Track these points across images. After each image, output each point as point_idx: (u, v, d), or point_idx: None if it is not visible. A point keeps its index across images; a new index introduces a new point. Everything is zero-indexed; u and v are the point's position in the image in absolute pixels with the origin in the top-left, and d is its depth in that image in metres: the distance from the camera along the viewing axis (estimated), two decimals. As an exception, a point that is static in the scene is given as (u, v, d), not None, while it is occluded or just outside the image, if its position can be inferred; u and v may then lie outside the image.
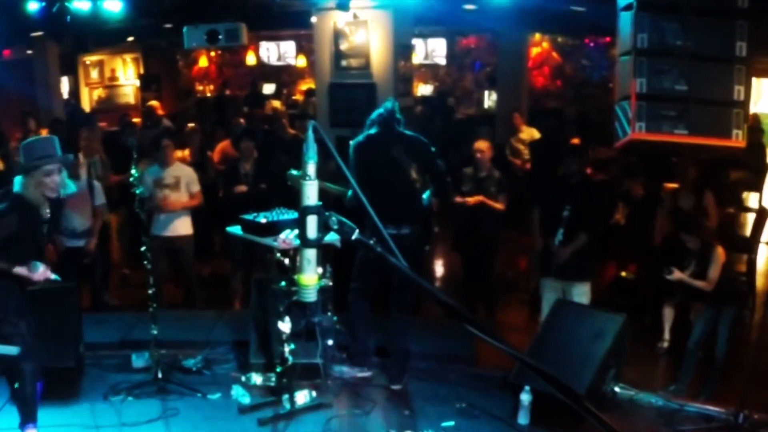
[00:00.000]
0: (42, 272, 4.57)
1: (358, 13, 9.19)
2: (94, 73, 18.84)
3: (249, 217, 5.50)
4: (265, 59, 20.74)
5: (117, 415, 5.34)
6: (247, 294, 6.97)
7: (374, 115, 5.85)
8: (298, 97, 19.62)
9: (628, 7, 4.93)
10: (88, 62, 18.66)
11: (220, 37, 9.76)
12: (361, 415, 5.49)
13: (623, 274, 8.55)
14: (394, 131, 5.76)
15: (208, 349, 6.40)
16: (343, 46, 9.44)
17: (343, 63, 9.50)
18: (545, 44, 18.38)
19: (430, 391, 5.82)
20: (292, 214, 5.35)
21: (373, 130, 5.80)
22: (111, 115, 15.71)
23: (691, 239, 6.17)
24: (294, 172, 6.18)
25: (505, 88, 14.66)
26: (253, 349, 6.02)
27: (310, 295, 2.47)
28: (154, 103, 13.57)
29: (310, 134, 2.44)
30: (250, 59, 20.65)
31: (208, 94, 20.82)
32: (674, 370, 6.47)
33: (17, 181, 4.70)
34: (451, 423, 5.30)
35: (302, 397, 5.54)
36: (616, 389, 5.63)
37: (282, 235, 5.13)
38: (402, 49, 9.79)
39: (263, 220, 5.37)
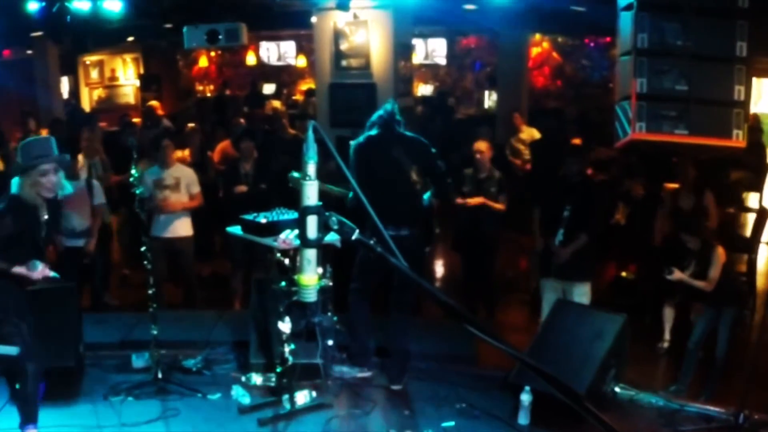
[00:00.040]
0: (41, 270, 4.56)
1: (358, 13, 9.19)
2: (94, 73, 18.86)
3: (249, 217, 5.50)
4: (265, 59, 20.74)
5: (117, 415, 5.33)
6: (247, 294, 6.97)
7: (374, 116, 5.85)
8: (298, 97, 19.62)
9: (628, 7, 4.92)
10: (88, 62, 18.67)
11: (220, 37, 9.77)
12: (361, 416, 5.49)
13: (623, 274, 8.55)
14: (394, 132, 5.76)
15: (208, 349, 6.39)
16: (343, 46, 9.44)
17: (343, 63, 9.50)
18: (545, 44, 18.39)
19: (430, 391, 5.82)
20: (293, 214, 5.35)
21: (373, 132, 5.80)
22: (111, 115, 15.71)
23: (692, 239, 6.17)
24: (295, 174, 6.18)
25: (506, 88, 14.66)
26: (253, 350, 6.02)
27: (310, 296, 2.47)
28: (154, 103, 13.57)
29: (310, 134, 2.44)
30: (250, 59, 20.65)
31: (208, 94, 20.82)
32: (674, 370, 6.46)
33: (14, 182, 4.70)
34: (451, 423, 5.30)
35: (302, 397, 5.54)
36: (617, 389, 5.63)
37: (282, 235, 5.13)
38: (402, 49, 9.79)
39: (263, 220, 5.37)
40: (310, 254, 2.41)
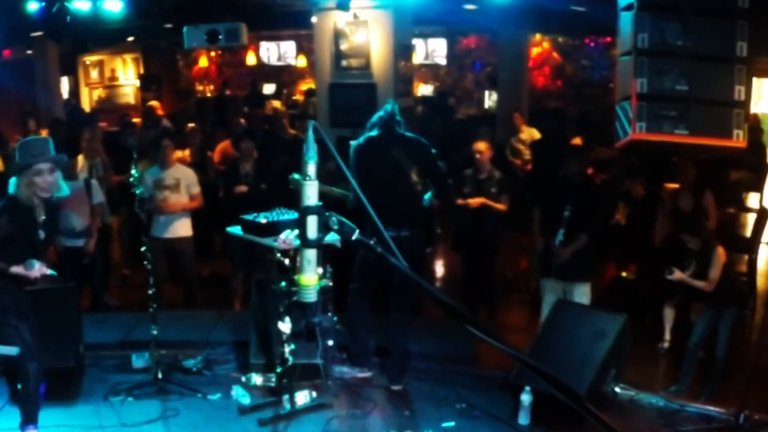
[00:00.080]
0: (38, 269, 4.55)
1: (358, 13, 9.19)
2: (94, 73, 18.87)
3: (249, 217, 5.49)
4: (265, 59, 20.75)
5: (117, 415, 5.33)
6: (248, 294, 6.97)
7: (375, 117, 5.84)
8: (299, 97, 19.63)
9: (628, 7, 4.92)
10: (88, 62, 18.69)
11: (220, 37, 9.77)
12: (361, 416, 5.48)
13: (624, 274, 8.55)
14: (394, 133, 5.76)
15: (208, 349, 6.39)
16: (344, 46, 9.44)
17: (344, 63, 9.50)
18: (546, 44, 18.39)
19: (430, 391, 5.81)
20: (293, 215, 5.35)
21: (373, 132, 5.79)
22: (111, 115, 15.72)
23: (692, 239, 6.17)
24: (296, 176, 6.18)
25: (506, 88, 14.66)
26: (254, 350, 6.02)
27: (311, 296, 2.47)
28: (154, 103, 13.58)
29: (311, 134, 2.44)
30: (250, 59, 20.66)
31: (208, 94, 20.83)
32: (675, 370, 6.46)
33: (12, 182, 4.69)
34: (452, 423, 5.30)
35: (302, 397, 5.54)
36: (617, 389, 5.62)
37: (282, 236, 5.12)
38: (402, 49, 9.79)
39: (263, 221, 5.37)
40: (310, 254, 2.40)
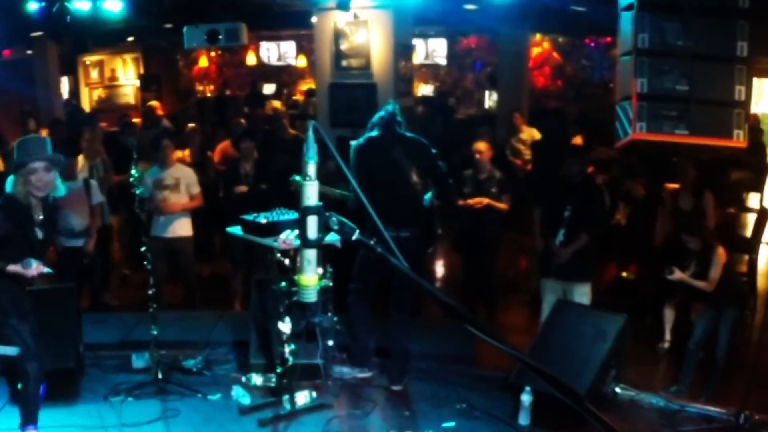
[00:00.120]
0: (35, 267, 4.53)
1: (358, 13, 9.18)
2: (94, 73, 18.87)
3: (249, 217, 5.49)
4: (265, 59, 20.74)
5: (117, 415, 5.33)
6: (248, 294, 6.96)
7: (375, 117, 5.84)
8: (299, 97, 19.63)
9: (628, 7, 4.92)
10: (88, 62, 18.68)
11: (220, 37, 9.77)
12: (361, 416, 5.49)
13: (624, 274, 8.54)
14: (394, 133, 5.75)
15: (208, 349, 6.39)
16: (344, 46, 9.43)
17: (344, 63, 9.49)
18: (546, 44, 18.39)
19: (430, 391, 5.82)
20: (293, 215, 5.35)
21: (373, 133, 5.79)
22: (111, 116, 15.71)
23: (692, 240, 6.16)
24: (297, 177, 6.18)
25: (506, 88, 14.65)
26: (254, 350, 6.02)
27: (311, 296, 2.46)
28: (154, 103, 13.57)
29: (311, 134, 2.44)
30: (251, 59, 20.65)
31: (209, 95, 20.82)
32: (675, 370, 6.46)
33: (9, 181, 4.68)
34: (452, 424, 5.30)
35: (302, 397, 5.54)
36: (617, 390, 5.62)
37: (282, 236, 5.12)
38: (402, 49, 9.78)
39: (263, 221, 5.36)
40: (311, 254, 2.40)
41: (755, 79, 7.27)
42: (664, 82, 4.82)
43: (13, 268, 4.50)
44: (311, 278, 2.44)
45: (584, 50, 18.34)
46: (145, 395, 5.63)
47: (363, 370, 6.02)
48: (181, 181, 7.65)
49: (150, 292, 5.75)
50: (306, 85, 19.51)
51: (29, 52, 14.69)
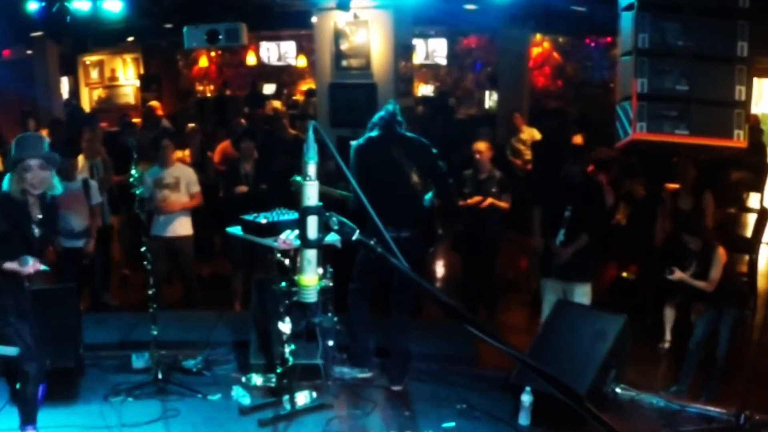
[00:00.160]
0: (32, 265, 4.52)
1: (358, 13, 9.18)
2: (94, 73, 18.87)
3: (249, 217, 5.49)
4: (265, 59, 20.74)
5: (117, 415, 5.33)
6: (248, 294, 6.96)
7: (375, 117, 5.84)
8: (299, 97, 19.63)
9: (629, 7, 4.92)
10: (88, 62, 18.68)
11: (220, 37, 9.77)
12: (362, 416, 5.49)
13: (624, 274, 8.54)
14: (395, 133, 5.75)
15: (208, 349, 6.39)
16: (344, 46, 9.43)
17: (344, 63, 9.49)
18: (546, 44, 18.38)
19: (430, 391, 5.82)
20: (293, 215, 5.34)
21: (374, 133, 5.79)
22: (111, 116, 15.71)
23: (693, 240, 6.16)
24: (298, 178, 6.17)
25: (506, 88, 14.65)
26: (254, 350, 6.01)
27: (311, 296, 2.46)
28: (154, 103, 13.56)
29: (311, 134, 2.44)
30: (251, 59, 20.65)
31: (209, 95, 20.82)
32: (675, 370, 6.46)
33: (5, 179, 4.68)
34: (452, 424, 5.29)
35: (302, 397, 5.54)
36: (617, 390, 5.62)
37: (282, 236, 5.12)
38: (402, 49, 9.78)
39: (263, 221, 5.36)
40: (311, 255, 2.40)
41: (755, 79, 7.26)
42: (665, 82, 4.81)
43: (9, 265, 4.49)
44: (311, 278, 2.44)
45: (584, 50, 18.34)
46: (145, 395, 5.63)
47: (363, 371, 6.02)
48: (180, 180, 7.65)
49: (150, 292, 5.74)
50: (306, 85, 19.52)
51: (29, 52, 14.68)
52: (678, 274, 6.06)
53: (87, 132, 8.95)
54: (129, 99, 18.98)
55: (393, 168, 5.70)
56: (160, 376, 5.72)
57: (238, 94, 19.62)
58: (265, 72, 20.84)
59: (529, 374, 4.98)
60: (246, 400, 5.58)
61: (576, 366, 5.26)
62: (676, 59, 4.80)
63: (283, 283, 5.25)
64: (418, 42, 17.58)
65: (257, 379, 5.89)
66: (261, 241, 5.36)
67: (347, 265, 5.89)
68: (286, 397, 5.41)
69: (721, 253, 6.02)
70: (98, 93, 18.94)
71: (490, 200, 7.44)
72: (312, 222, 2.30)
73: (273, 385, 5.73)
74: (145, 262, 5.70)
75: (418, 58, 17.61)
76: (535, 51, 17.91)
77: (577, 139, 10.20)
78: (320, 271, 5.09)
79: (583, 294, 6.57)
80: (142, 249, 5.71)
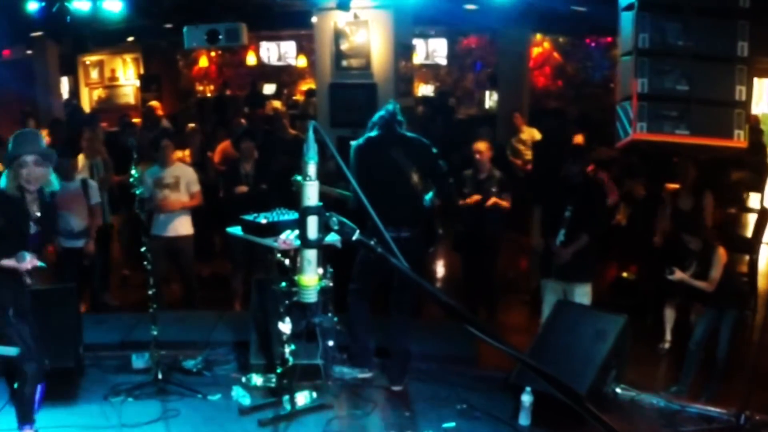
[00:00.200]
0: (29, 261, 4.51)
1: (358, 13, 9.18)
2: (94, 73, 18.86)
3: (249, 217, 5.49)
4: (265, 59, 20.74)
5: (117, 416, 5.33)
6: (248, 295, 6.96)
7: (375, 117, 5.84)
8: (299, 97, 19.63)
9: (629, 7, 4.91)
10: (88, 62, 18.67)
11: (220, 37, 9.77)
12: (362, 416, 5.48)
13: (624, 274, 8.54)
14: (395, 133, 5.75)
15: (208, 350, 6.39)
16: (344, 46, 9.43)
17: (344, 63, 9.49)
18: (546, 44, 18.39)
19: (430, 392, 5.81)
20: (293, 215, 5.34)
21: (374, 132, 5.78)
22: (111, 116, 15.71)
23: (693, 240, 6.16)
24: (299, 178, 6.16)
25: (506, 89, 14.65)
26: (254, 350, 6.01)
27: (311, 296, 2.46)
28: (154, 103, 13.56)
29: (311, 135, 2.44)
30: (251, 59, 20.65)
31: (209, 95, 20.82)
32: (675, 371, 6.45)
33: (2, 176, 4.67)
34: (452, 424, 5.29)
35: (303, 398, 5.54)
36: (618, 390, 5.62)
37: (282, 236, 5.12)
38: (403, 49, 9.78)
39: (264, 221, 5.36)
40: (311, 255, 2.40)
41: (756, 80, 7.27)
42: (665, 82, 4.81)
43: (6, 262, 4.48)
44: (311, 278, 2.44)
45: (585, 50, 18.34)
46: (145, 395, 5.63)
47: (363, 371, 6.02)
48: (180, 179, 7.65)
49: (150, 292, 5.74)
50: (306, 85, 19.51)
51: (29, 52, 14.69)
52: (678, 275, 6.06)
53: (87, 131, 8.95)
54: (129, 99, 18.97)
55: (393, 168, 5.69)
56: (160, 376, 5.71)
57: (238, 94, 19.62)
58: (265, 72, 20.84)
59: (529, 374, 4.97)
60: (246, 401, 5.57)
61: (576, 366, 5.26)
62: (677, 59, 4.79)
63: (283, 284, 5.24)
64: (418, 42, 17.58)
65: (257, 380, 5.88)
66: (261, 241, 5.35)
67: (347, 265, 5.88)
68: (286, 398, 5.40)
69: (721, 253, 6.02)
70: (98, 93, 18.94)
71: (494, 199, 7.44)
72: (312, 222, 2.30)
73: (273, 385, 5.73)
74: (145, 262, 5.70)
75: (418, 58, 17.61)
76: (536, 51, 17.91)
77: (578, 139, 10.20)
78: (320, 271, 5.09)
79: (583, 294, 6.56)
80: (142, 249, 5.70)
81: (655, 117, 4.82)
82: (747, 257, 8.15)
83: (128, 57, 19.03)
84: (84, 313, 6.97)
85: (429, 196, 6.02)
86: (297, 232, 2.50)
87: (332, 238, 2.75)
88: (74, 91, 18.34)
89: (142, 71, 19.10)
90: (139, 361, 6.10)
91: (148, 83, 18.44)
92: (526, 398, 5.20)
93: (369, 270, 5.78)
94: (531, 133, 11.72)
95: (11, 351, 4.57)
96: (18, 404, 4.78)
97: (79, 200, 7.33)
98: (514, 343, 2.21)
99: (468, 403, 5.55)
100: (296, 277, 2.59)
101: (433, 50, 19.35)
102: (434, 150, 5.85)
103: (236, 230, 5.64)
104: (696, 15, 4.76)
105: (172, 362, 6.11)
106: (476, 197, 7.44)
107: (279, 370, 5.52)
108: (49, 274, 6.98)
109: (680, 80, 4.80)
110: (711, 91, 4.80)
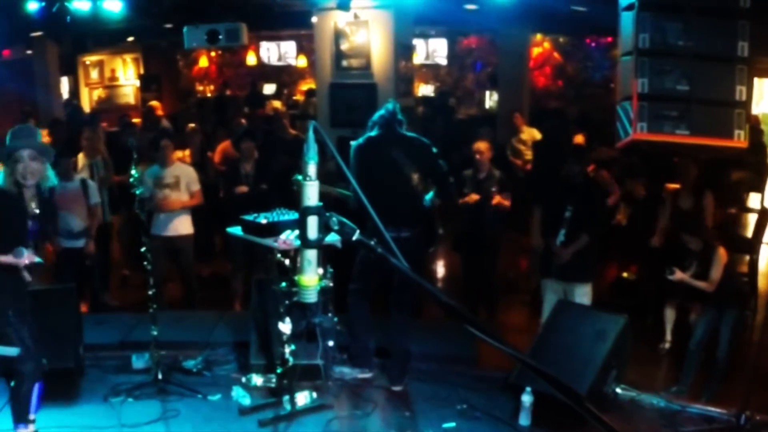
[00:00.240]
0: (27, 256, 4.49)
1: (358, 13, 9.18)
2: (94, 74, 18.85)
3: (249, 217, 5.49)
4: (265, 59, 20.74)
5: (117, 416, 5.32)
6: (248, 295, 6.96)
7: (376, 116, 5.83)
8: (299, 97, 19.63)
9: (629, 7, 4.91)
10: (88, 62, 18.67)
11: (220, 37, 9.77)
12: (362, 417, 5.48)
13: (625, 274, 8.54)
14: (395, 133, 5.74)
15: (208, 350, 6.38)
16: (344, 46, 9.43)
17: (344, 63, 9.49)
18: (546, 44, 18.39)
19: (430, 392, 5.81)
20: (293, 215, 5.34)
21: (374, 132, 5.78)
22: (111, 116, 15.72)
23: (693, 240, 6.16)
24: (299, 178, 6.15)
25: (507, 89, 14.66)
26: (254, 350, 6.01)
27: (311, 296, 2.46)
28: (154, 103, 13.56)
29: (311, 135, 2.43)
30: (251, 59, 20.64)
31: (209, 95, 20.82)
32: (676, 371, 6.45)
33: (0, 173, 4.67)
34: (452, 424, 5.29)
35: (303, 398, 5.53)
36: (618, 390, 5.61)
37: (282, 236, 5.12)
38: (403, 49, 9.78)
39: (264, 221, 5.36)
40: (311, 255, 2.40)
41: (756, 80, 7.27)
42: (665, 82, 4.80)
43: (4, 258, 4.47)
44: (311, 279, 2.44)
45: (585, 50, 18.34)
46: (145, 396, 5.62)
47: (363, 371, 6.01)
48: (181, 179, 7.65)
49: (150, 292, 5.74)
50: (306, 85, 19.51)
51: (29, 52, 14.69)
52: (678, 275, 6.06)
53: (86, 131, 8.95)
54: (129, 99, 18.97)
55: (393, 168, 5.69)
56: (160, 376, 5.71)
57: (238, 94, 19.62)
58: (265, 72, 20.84)
59: (529, 374, 4.97)
60: (246, 401, 5.57)
61: (576, 366, 5.25)
62: (677, 59, 4.79)
63: (284, 284, 5.24)
64: (418, 42, 17.58)
65: (257, 380, 5.88)
66: (261, 242, 5.35)
67: (347, 265, 5.88)
68: (286, 398, 5.40)
69: (721, 253, 6.02)
70: (98, 93, 18.93)
71: (498, 198, 7.44)
72: (312, 222, 2.30)
73: (273, 385, 5.73)
74: (145, 262, 5.70)
75: (418, 58, 17.61)
76: (536, 51, 17.91)
77: (579, 139, 10.20)
78: (320, 271, 5.08)
79: (583, 294, 6.56)
80: (142, 249, 5.70)
81: (655, 117, 4.81)
82: (747, 257, 8.15)
83: (128, 57, 19.04)
84: (84, 313, 6.97)
85: (429, 196, 6.02)
86: (297, 232, 2.50)
87: (332, 238, 2.74)
88: (74, 91, 18.34)
89: (142, 71, 19.10)
90: (139, 362, 6.10)
91: (148, 83, 18.45)
92: (527, 398, 5.19)
93: (369, 270, 5.78)
94: (531, 133, 11.72)
95: (11, 351, 4.56)
96: (14, 403, 4.76)
97: (79, 200, 7.32)
98: (514, 343, 2.20)
99: (468, 403, 5.54)
100: (296, 278, 2.58)
101: (434, 50, 19.35)
102: (434, 150, 5.85)
103: (236, 230, 5.64)
104: (696, 15, 4.76)
105: (172, 362, 6.10)
106: (474, 197, 7.43)
107: (279, 371, 5.51)
108: (48, 275, 6.99)
109: (680, 80, 4.79)
110: (711, 91, 4.80)
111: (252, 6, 11.03)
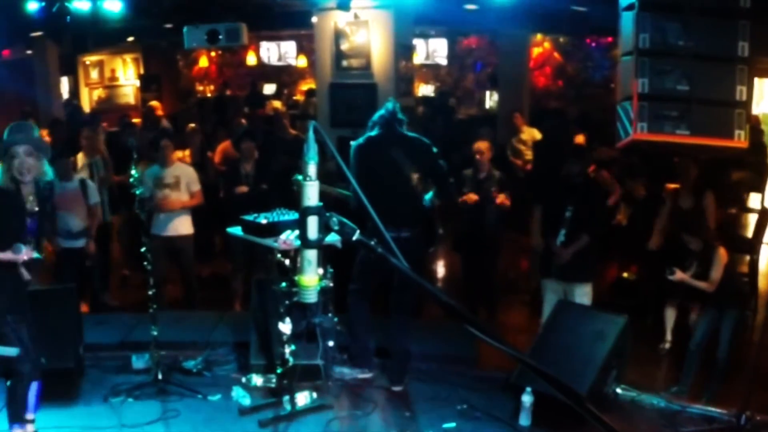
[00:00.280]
0: (25, 252, 4.49)
1: (359, 13, 9.18)
2: (94, 74, 18.84)
3: (249, 217, 5.49)
4: (265, 59, 20.73)
5: (117, 416, 5.33)
6: (248, 295, 6.96)
7: (376, 116, 5.83)
8: (299, 97, 19.62)
9: (629, 7, 4.90)
10: (88, 62, 18.66)
11: (220, 37, 9.77)
12: (362, 417, 5.48)
13: (625, 274, 8.53)
14: (395, 132, 5.74)
15: (208, 350, 6.38)
16: (344, 46, 9.42)
17: (344, 63, 9.48)
18: (547, 44, 18.37)
19: (431, 392, 5.81)
20: (293, 215, 5.34)
21: (374, 132, 5.78)
22: (111, 116, 15.71)
23: (693, 240, 6.15)
24: (299, 178, 6.14)
25: (507, 89, 14.65)
26: (254, 351, 6.01)
27: (311, 296, 2.46)
28: (154, 103, 13.56)
29: (311, 135, 2.43)
30: (251, 59, 20.64)
31: (209, 95, 20.81)
32: (676, 371, 6.45)
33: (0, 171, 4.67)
34: (452, 424, 5.29)
35: (303, 398, 5.53)
36: (618, 390, 5.61)
37: (282, 236, 5.12)
38: (403, 50, 9.78)
39: (264, 221, 5.36)
40: (311, 255, 2.40)
41: (756, 80, 7.27)
42: (665, 82, 4.80)
43: (2, 255, 4.47)
44: (311, 279, 2.43)
45: (585, 50, 18.33)
46: (145, 396, 5.62)
47: (363, 371, 6.01)
48: (181, 179, 7.65)
49: (150, 292, 5.74)
50: (306, 85, 19.50)
51: (29, 52, 14.68)
52: (679, 275, 6.05)
53: (85, 130, 8.94)
54: (129, 99, 18.97)
55: (393, 168, 5.69)
56: (160, 376, 5.71)
57: (239, 94, 19.61)
58: (265, 72, 20.84)
59: (529, 375, 4.97)
60: (246, 401, 5.57)
61: (576, 366, 5.25)
62: (677, 59, 4.78)
63: (284, 284, 5.24)
64: (418, 42, 17.57)
65: (257, 380, 5.88)
66: (261, 242, 5.35)
67: (347, 266, 5.88)
68: (286, 398, 5.40)
69: (721, 253, 6.01)
70: (98, 93, 18.93)
71: (502, 197, 7.43)
72: (312, 222, 2.30)
73: (273, 385, 5.73)
74: (145, 263, 5.70)
75: (418, 58, 17.60)
76: (536, 51, 17.90)
77: (579, 139, 10.20)
78: (320, 271, 5.08)
79: (583, 294, 6.56)
80: (142, 249, 5.70)
81: (655, 117, 4.81)
82: (747, 257, 8.15)
83: (128, 57, 19.03)
84: (84, 313, 6.97)
85: (429, 196, 6.01)
86: (297, 232, 2.50)
87: (332, 238, 2.74)
88: (74, 91, 18.32)
89: (142, 71, 19.10)
90: (139, 362, 6.10)
91: (148, 83, 18.44)
92: (527, 398, 5.19)
93: (369, 270, 5.78)
94: (531, 133, 11.72)
95: (11, 351, 4.56)
96: (10, 403, 4.76)
97: (78, 200, 7.32)
98: (514, 343, 2.20)
99: (468, 403, 5.54)
100: (296, 278, 2.58)
101: (434, 50, 19.34)
102: (434, 150, 5.85)
103: (236, 230, 5.64)
104: (696, 15, 4.75)
105: (172, 363, 6.10)
106: (473, 196, 7.43)
107: (279, 371, 5.51)
108: (48, 275, 6.99)
109: (681, 80, 4.79)
110: (711, 91, 4.79)
111: (252, 6, 11.02)
